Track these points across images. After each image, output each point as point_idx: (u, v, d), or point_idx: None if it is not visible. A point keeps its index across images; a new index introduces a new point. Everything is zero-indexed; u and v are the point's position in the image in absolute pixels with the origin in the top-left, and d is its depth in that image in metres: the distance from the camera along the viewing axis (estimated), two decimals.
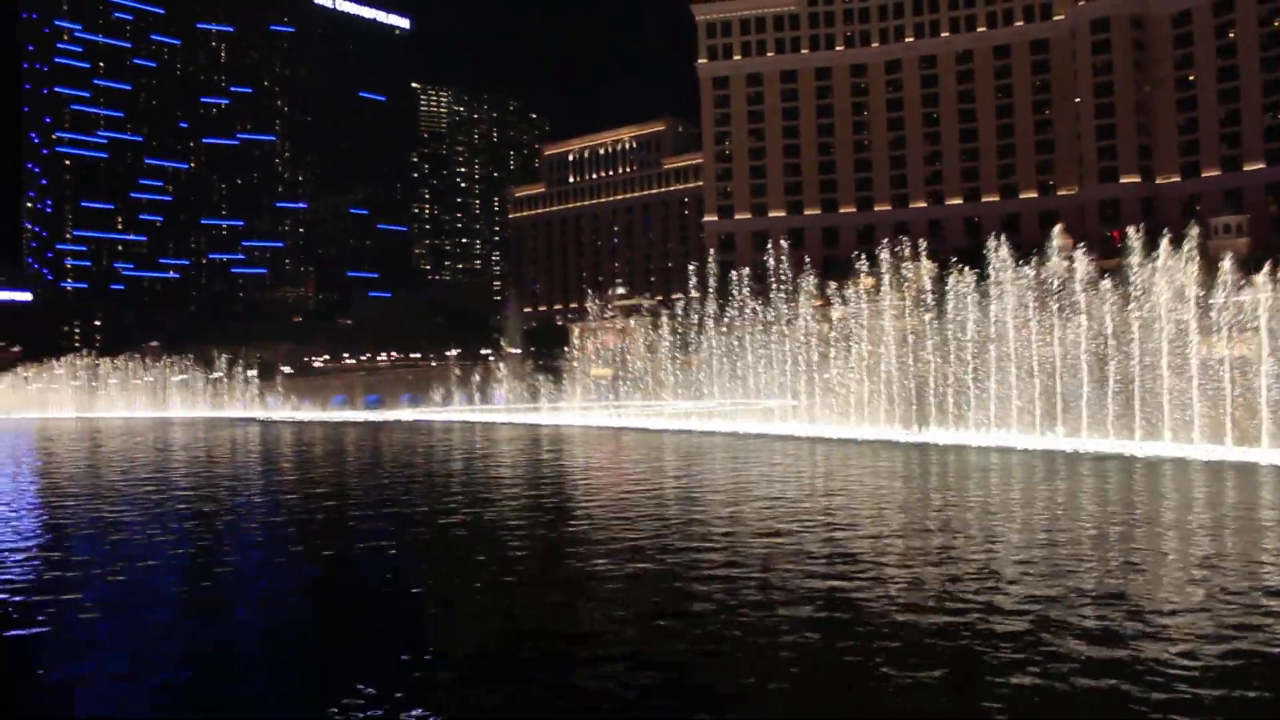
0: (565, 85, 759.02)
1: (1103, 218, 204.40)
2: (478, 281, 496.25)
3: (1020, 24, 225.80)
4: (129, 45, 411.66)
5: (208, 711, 19.76)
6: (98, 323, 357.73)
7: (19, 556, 34.54)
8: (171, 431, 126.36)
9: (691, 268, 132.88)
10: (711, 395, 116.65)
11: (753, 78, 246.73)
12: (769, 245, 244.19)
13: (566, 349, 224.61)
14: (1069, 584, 26.26)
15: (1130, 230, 76.09)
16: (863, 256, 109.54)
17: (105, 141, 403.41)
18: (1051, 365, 78.34)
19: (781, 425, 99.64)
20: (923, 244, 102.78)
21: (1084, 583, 26.52)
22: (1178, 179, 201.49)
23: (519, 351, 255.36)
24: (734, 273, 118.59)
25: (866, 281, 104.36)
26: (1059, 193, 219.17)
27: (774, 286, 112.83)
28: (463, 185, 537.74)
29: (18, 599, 27.85)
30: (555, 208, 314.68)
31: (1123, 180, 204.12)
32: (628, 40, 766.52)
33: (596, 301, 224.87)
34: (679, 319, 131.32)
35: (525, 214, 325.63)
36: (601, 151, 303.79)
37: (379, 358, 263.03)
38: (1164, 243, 72.85)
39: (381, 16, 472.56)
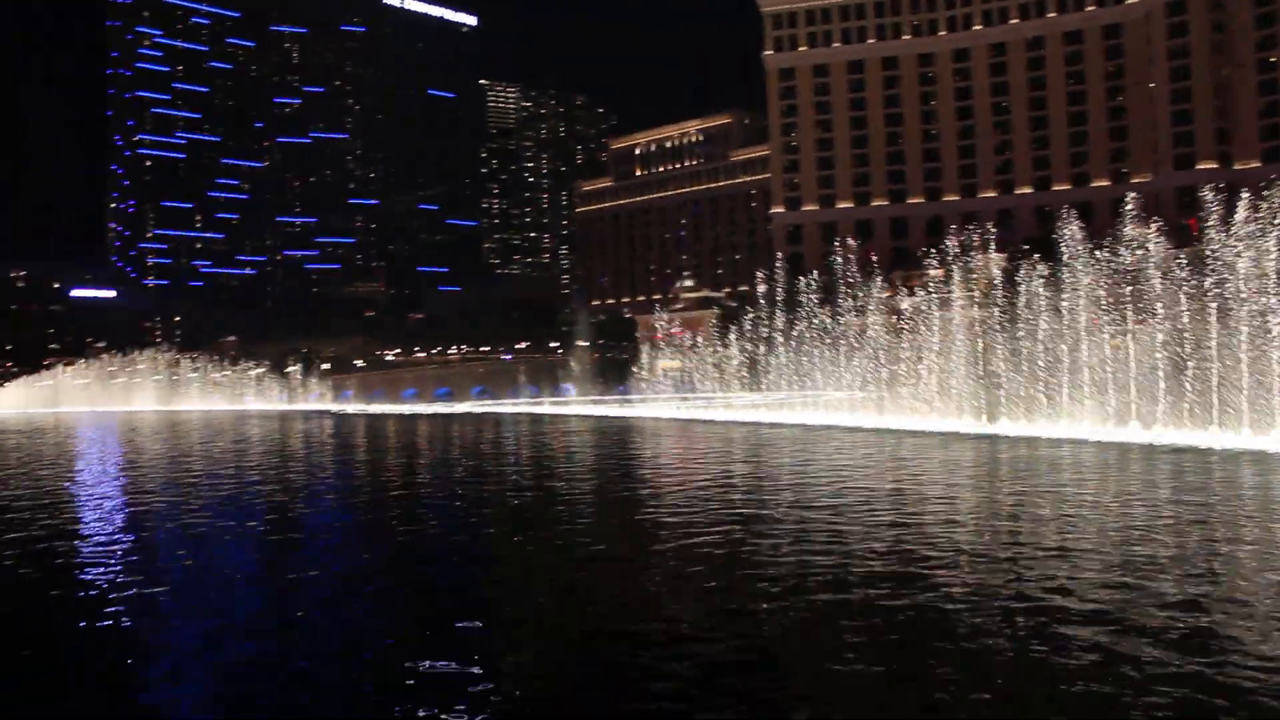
0: (632, 79, 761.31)
1: (1178, 205, 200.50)
2: (546, 275, 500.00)
3: (1092, 8, 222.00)
4: (206, 49, 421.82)
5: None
6: (177, 319, 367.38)
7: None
8: (249, 425, 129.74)
9: (760, 274, 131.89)
10: (779, 387, 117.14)
11: (819, 68, 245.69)
12: (836, 237, 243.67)
13: (633, 341, 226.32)
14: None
15: (1206, 196, 74.31)
16: (931, 250, 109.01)
17: (184, 142, 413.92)
18: (1125, 355, 77.64)
19: (849, 417, 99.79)
20: (991, 233, 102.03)
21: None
22: (1258, 164, 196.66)
23: (587, 344, 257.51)
24: (802, 268, 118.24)
25: (935, 272, 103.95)
26: (1132, 180, 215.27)
27: (841, 278, 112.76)
28: (530, 180, 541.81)
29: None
30: (622, 201, 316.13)
31: (1199, 166, 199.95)
32: (694, 33, 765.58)
33: (665, 295, 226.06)
34: (748, 311, 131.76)
35: (592, 208, 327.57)
36: (668, 145, 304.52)
37: (449, 351, 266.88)
38: (1240, 211, 71.22)
39: (449, 15, 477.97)
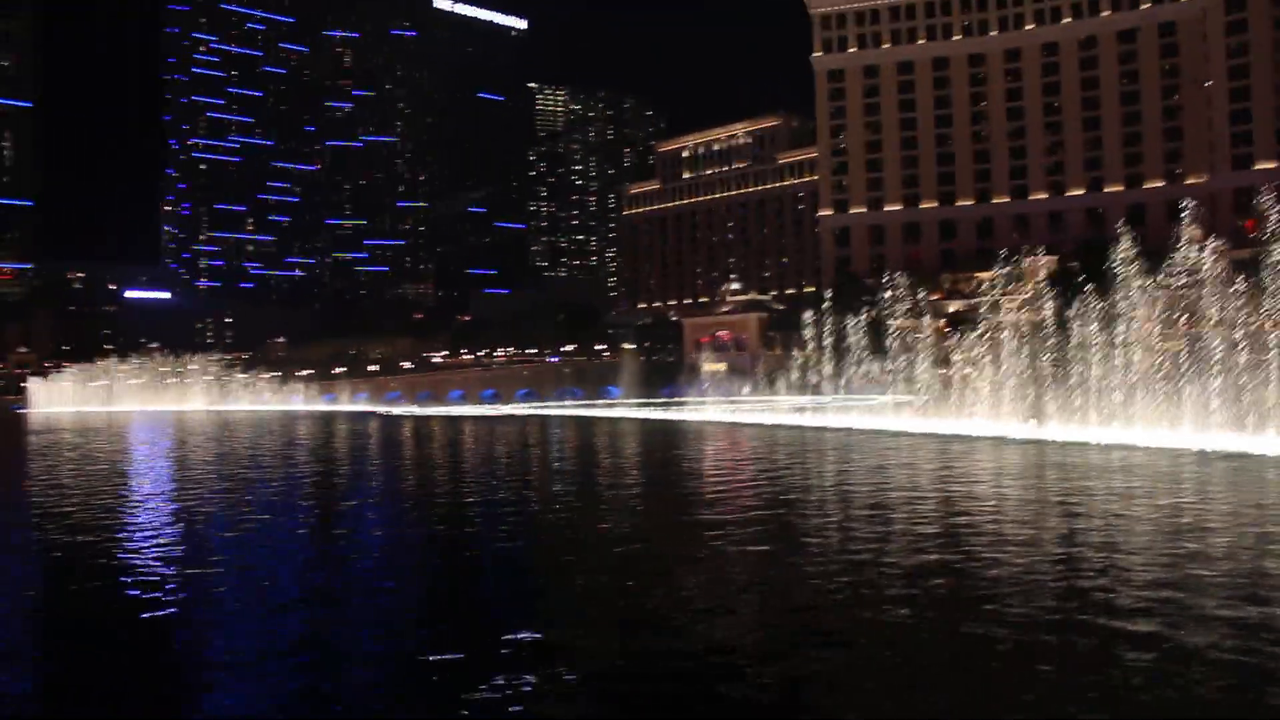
0: (680, 81, 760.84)
1: (1236, 207, 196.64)
2: (593, 278, 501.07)
3: (1147, 6, 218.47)
4: (260, 54, 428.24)
5: None
6: (229, 320, 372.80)
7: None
8: (298, 424, 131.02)
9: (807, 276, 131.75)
10: (825, 390, 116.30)
11: (869, 70, 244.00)
12: (884, 240, 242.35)
13: (680, 344, 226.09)
14: None
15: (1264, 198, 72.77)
16: (980, 252, 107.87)
17: (237, 146, 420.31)
18: (1178, 360, 76.14)
19: (898, 421, 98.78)
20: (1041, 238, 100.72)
21: None
22: None
23: (634, 347, 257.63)
24: (850, 271, 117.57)
25: (985, 275, 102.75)
26: (1187, 181, 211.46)
27: (889, 280, 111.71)
28: (578, 183, 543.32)
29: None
30: (669, 204, 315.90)
31: (1258, 166, 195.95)
32: (743, 35, 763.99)
33: (712, 298, 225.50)
34: (796, 314, 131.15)
35: (640, 210, 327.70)
36: (716, 147, 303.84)
37: (496, 354, 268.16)
38: None
39: (498, 18, 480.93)
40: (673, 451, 77.59)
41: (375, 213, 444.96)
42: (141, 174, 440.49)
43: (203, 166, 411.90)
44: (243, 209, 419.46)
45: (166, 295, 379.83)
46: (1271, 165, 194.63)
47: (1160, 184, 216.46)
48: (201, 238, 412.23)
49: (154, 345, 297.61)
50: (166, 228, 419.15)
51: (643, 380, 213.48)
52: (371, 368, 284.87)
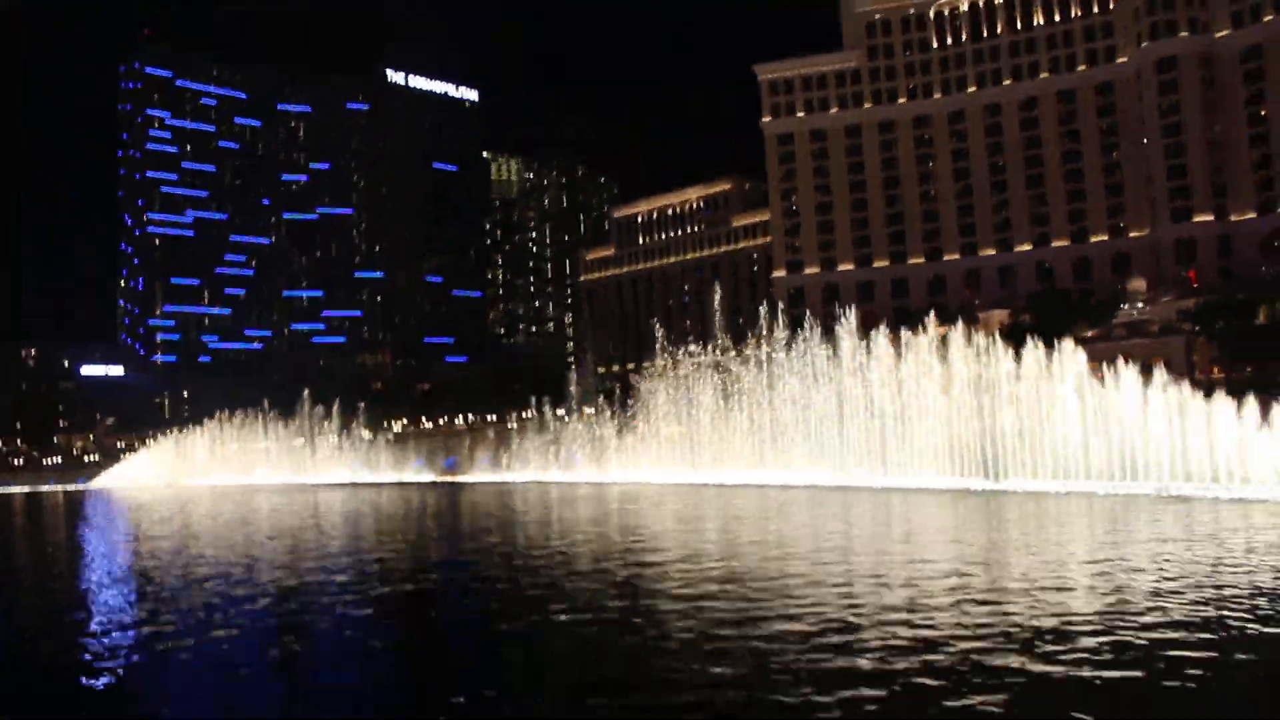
0: (632, 148, 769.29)
1: (1178, 258, 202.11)
2: (551, 343, 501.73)
3: (1084, 68, 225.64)
4: (213, 129, 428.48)
5: None
6: (185, 393, 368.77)
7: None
8: (276, 498, 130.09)
9: (762, 319, 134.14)
10: (784, 450, 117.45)
11: (816, 134, 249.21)
12: (838, 299, 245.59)
13: (635, 406, 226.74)
14: None
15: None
16: (933, 310, 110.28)
17: (192, 220, 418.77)
18: (1123, 413, 78.34)
19: (855, 478, 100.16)
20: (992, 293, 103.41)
21: None
22: (1254, 215, 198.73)
23: (593, 411, 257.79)
24: (803, 328, 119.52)
25: (937, 332, 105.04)
26: (1131, 234, 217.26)
27: (843, 341, 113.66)
28: (535, 250, 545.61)
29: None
30: (626, 269, 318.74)
31: (1196, 219, 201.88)
32: (694, 101, 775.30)
33: (664, 359, 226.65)
34: (749, 374, 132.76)
35: (596, 276, 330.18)
36: (670, 212, 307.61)
37: (456, 421, 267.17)
38: None
39: (452, 90, 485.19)
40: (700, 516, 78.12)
41: (332, 284, 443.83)
42: (97, 251, 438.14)
43: (158, 241, 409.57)
44: (198, 282, 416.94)
45: (121, 371, 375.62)
46: (1209, 218, 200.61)
47: (1105, 238, 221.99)
48: (158, 312, 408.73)
49: (109, 420, 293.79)
50: (122, 303, 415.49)
51: (601, 445, 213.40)
52: (332, 439, 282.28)
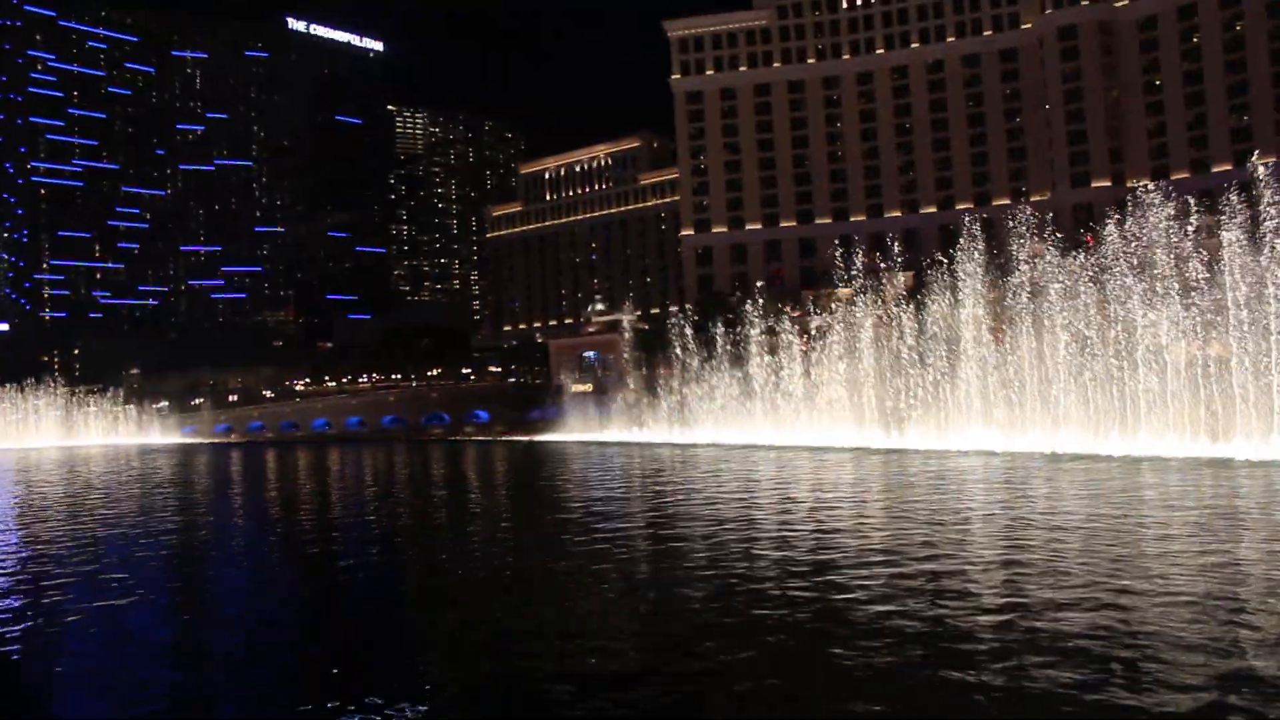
0: (540, 103, 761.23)
1: (1075, 221, 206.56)
2: (457, 301, 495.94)
3: (989, 33, 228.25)
4: (103, 74, 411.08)
5: None
6: (76, 351, 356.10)
7: None
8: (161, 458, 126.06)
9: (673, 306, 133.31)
10: (696, 410, 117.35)
11: (726, 92, 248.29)
12: (745, 259, 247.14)
13: (546, 366, 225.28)
14: None
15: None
16: (840, 265, 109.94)
17: (81, 170, 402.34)
18: (1029, 366, 79.33)
19: (763, 435, 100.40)
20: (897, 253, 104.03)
21: None
22: (1149, 181, 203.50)
23: (500, 370, 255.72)
24: (712, 290, 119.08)
25: (843, 292, 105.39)
26: (1033, 198, 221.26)
27: (751, 299, 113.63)
28: (440, 206, 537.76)
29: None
30: (533, 225, 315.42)
31: (1094, 184, 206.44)
32: (603, 57, 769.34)
33: (577, 318, 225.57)
34: (660, 334, 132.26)
35: (503, 233, 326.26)
36: (578, 169, 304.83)
37: (361, 380, 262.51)
38: None
39: (355, 40, 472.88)
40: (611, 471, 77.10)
41: (231, 239, 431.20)
42: None
43: (43, 191, 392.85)
44: (89, 235, 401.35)
45: (4, 327, 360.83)
46: (1107, 183, 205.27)
47: (1007, 201, 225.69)
48: (44, 266, 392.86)
49: None
50: (3, 255, 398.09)
51: (510, 403, 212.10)
52: (232, 398, 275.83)
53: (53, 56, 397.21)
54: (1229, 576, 26.83)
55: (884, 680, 19.51)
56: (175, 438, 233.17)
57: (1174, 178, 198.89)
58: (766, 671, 20.51)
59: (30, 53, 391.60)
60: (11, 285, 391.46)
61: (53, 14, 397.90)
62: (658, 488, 60.50)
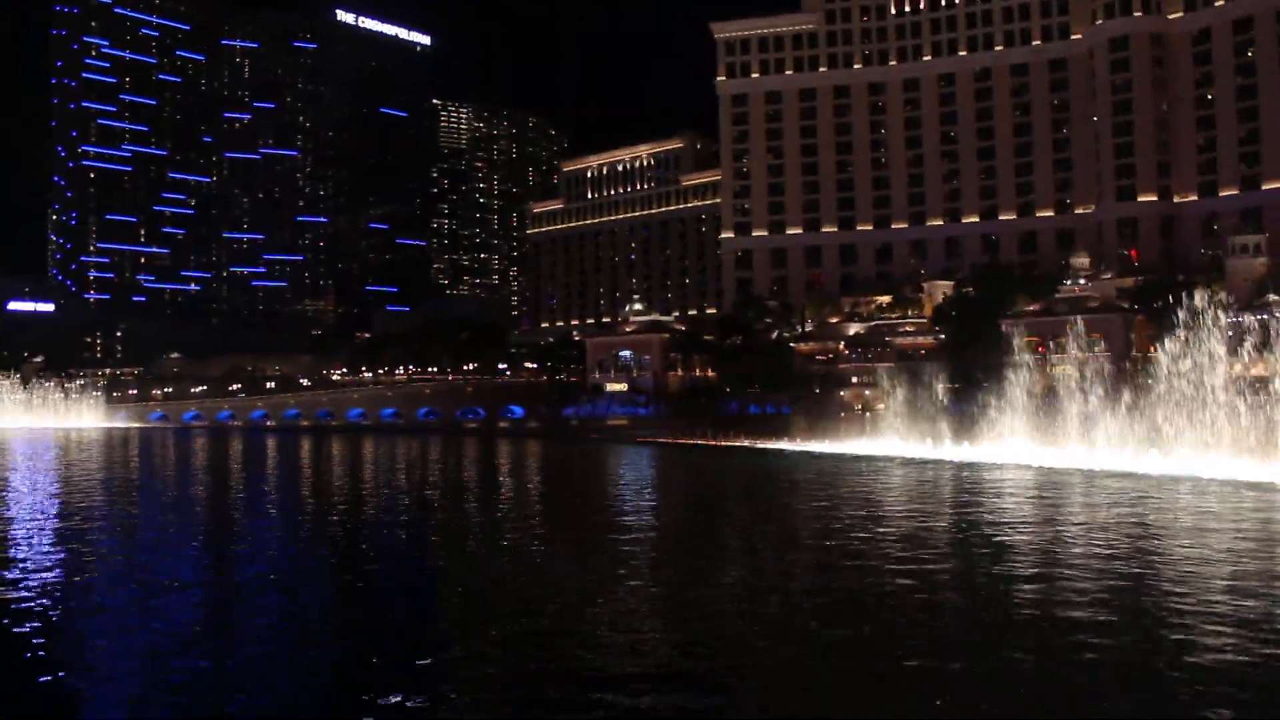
0: (585, 102, 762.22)
1: (1120, 236, 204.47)
2: (495, 297, 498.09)
3: (1038, 43, 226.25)
4: (154, 61, 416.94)
5: None
6: (119, 333, 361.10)
7: None
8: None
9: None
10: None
11: (771, 95, 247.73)
12: (785, 263, 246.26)
13: (582, 364, 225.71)
14: None
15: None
16: (879, 276, 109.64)
17: (130, 155, 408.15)
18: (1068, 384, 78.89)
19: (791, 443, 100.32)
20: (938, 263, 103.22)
21: None
22: (1195, 198, 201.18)
23: (536, 367, 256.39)
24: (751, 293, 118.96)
25: (884, 299, 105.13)
26: (1076, 211, 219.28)
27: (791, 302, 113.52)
28: (482, 201, 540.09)
29: None
30: (573, 224, 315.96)
31: (1140, 199, 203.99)
32: (648, 57, 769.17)
33: (614, 318, 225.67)
34: (698, 335, 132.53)
35: (543, 230, 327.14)
36: (620, 168, 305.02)
37: (397, 372, 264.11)
38: None
39: (403, 33, 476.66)
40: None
41: (274, 227, 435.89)
42: (27, 182, 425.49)
43: (93, 175, 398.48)
44: (135, 220, 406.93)
45: (50, 308, 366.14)
46: (1153, 198, 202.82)
47: (1050, 213, 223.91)
48: (91, 249, 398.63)
49: (38, 359, 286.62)
50: (53, 237, 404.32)
51: (546, 400, 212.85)
52: (269, 384, 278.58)
53: (106, 43, 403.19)
54: None
55: None
56: (208, 421, 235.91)
57: (1223, 194, 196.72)
58: None
59: (86, 39, 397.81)
60: (59, 267, 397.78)
61: (109, 1, 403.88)
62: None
